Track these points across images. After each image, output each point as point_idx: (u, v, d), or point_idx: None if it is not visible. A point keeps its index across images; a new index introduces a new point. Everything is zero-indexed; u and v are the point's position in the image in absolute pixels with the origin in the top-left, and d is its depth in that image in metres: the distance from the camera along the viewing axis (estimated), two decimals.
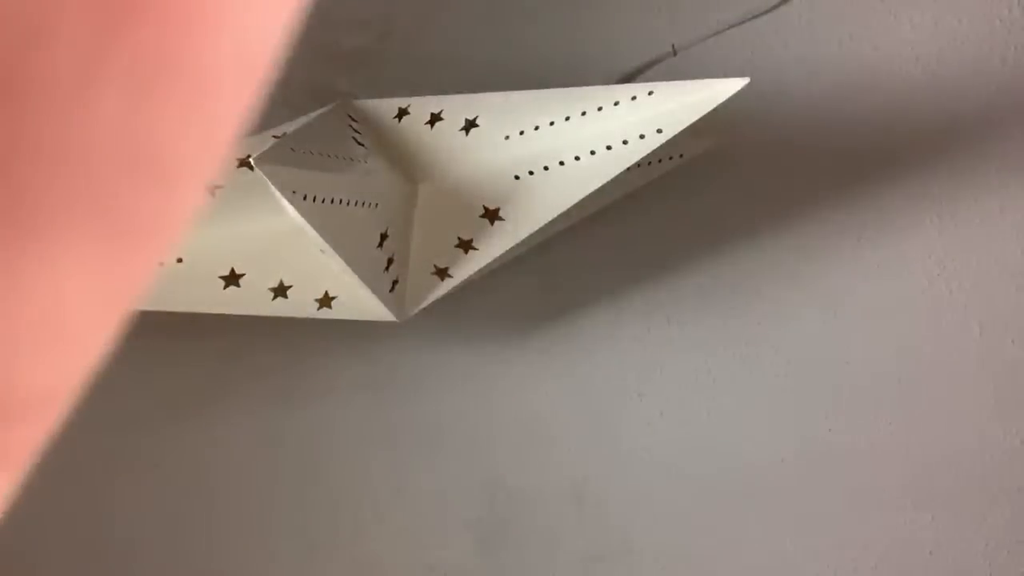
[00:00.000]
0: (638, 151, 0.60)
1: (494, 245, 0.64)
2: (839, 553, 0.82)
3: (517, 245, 0.64)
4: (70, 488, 0.86)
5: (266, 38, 0.10)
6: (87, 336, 0.11)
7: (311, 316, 0.66)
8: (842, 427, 0.81)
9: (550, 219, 0.63)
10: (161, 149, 0.10)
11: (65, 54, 0.09)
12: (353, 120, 0.67)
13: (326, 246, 0.59)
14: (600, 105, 0.61)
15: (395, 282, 0.65)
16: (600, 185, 0.61)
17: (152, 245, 0.10)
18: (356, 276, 0.61)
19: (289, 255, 0.65)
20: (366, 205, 0.62)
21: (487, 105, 0.65)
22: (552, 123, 0.63)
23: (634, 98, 0.60)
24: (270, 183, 0.55)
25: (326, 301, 0.65)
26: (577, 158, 0.62)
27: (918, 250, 0.80)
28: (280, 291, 0.65)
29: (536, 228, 0.63)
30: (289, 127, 0.66)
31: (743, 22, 0.78)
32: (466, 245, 0.65)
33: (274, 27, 0.10)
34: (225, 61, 0.10)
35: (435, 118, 0.66)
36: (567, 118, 0.62)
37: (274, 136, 0.67)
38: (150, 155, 0.09)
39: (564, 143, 0.63)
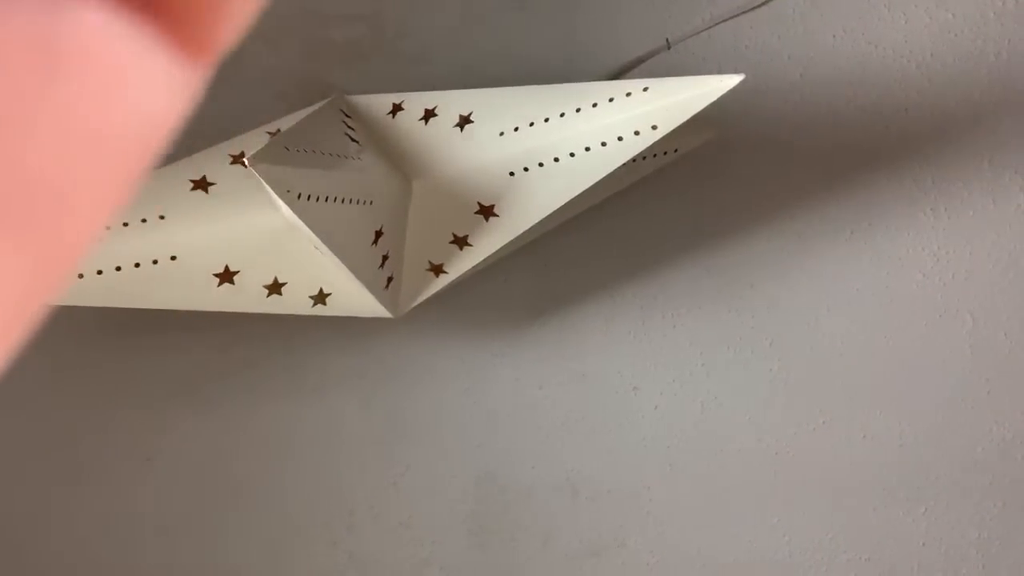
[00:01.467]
0: (633, 147, 0.60)
1: (489, 242, 0.64)
2: (832, 545, 0.83)
3: (512, 241, 0.64)
4: (59, 482, 0.86)
5: (142, 128, 0.12)
6: None
7: (306, 313, 0.65)
8: (835, 420, 0.82)
9: (545, 215, 0.63)
10: (49, 185, 0.11)
11: None
12: (347, 116, 0.67)
13: (321, 244, 0.59)
14: (595, 101, 0.61)
15: (390, 279, 0.65)
16: (595, 181, 0.61)
17: (52, 260, 0.11)
18: (351, 273, 0.61)
19: (283, 252, 0.65)
20: (360, 203, 0.62)
21: (482, 101, 0.65)
22: (547, 119, 0.63)
23: (629, 94, 0.60)
24: (265, 183, 0.55)
25: (321, 298, 0.65)
26: (572, 154, 0.62)
27: (911, 243, 0.80)
28: (274, 288, 0.65)
29: (531, 224, 0.63)
30: (283, 123, 0.66)
31: (737, 15, 0.78)
32: (461, 241, 0.65)
33: (153, 116, 0.12)
34: (118, 126, 0.11)
35: (429, 114, 0.66)
36: (562, 114, 0.62)
37: (268, 132, 0.67)
38: (46, 192, 0.11)
39: (559, 139, 0.63)
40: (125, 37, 0.11)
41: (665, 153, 0.70)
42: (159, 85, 0.12)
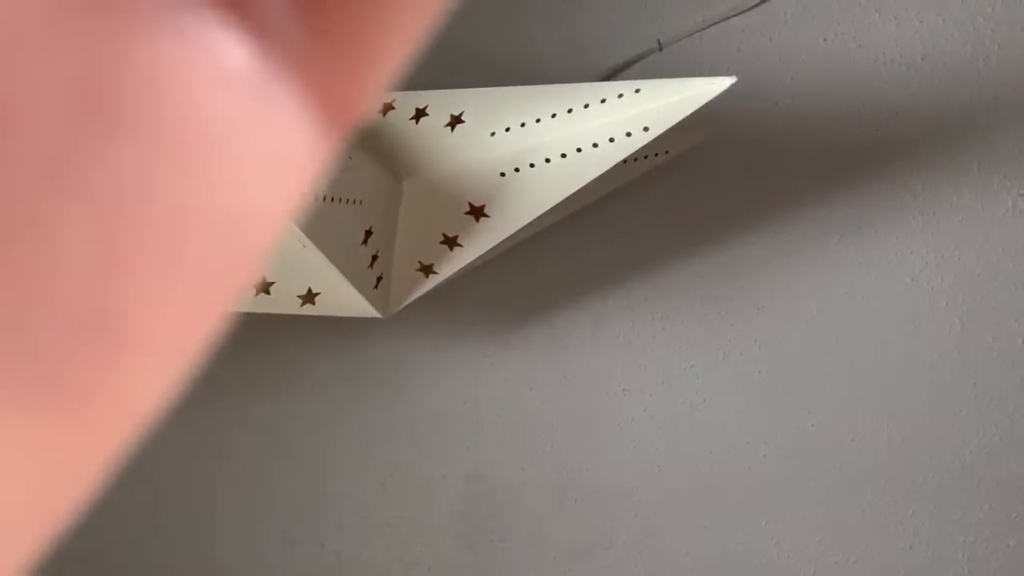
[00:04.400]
0: (625, 149, 0.60)
1: (479, 242, 0.64)
2: (820, 547, 0.83)
3: (502, 242, 0.64)
4: None
5: (272, 204, 0.08)
6: (16, 526, 0.08)
7: (294, 313, 0.65)
8: (824, 423, 0.82)
9: (536, 216, 0.63)
10: (117, 308, 0.07)
11: (25, 165, 0.07)
12: None
13: (310, 243, 0.58)
14: (587, 102, 0.61)
15: (379, 278, 0.64)
16: (586, 182, 0.61)
17: (105, 423, 0.08)
18: (340, 273, 0.60)
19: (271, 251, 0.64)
20: (350, 202, 0.62)
21: (473, 101, 0.64)
22: (539, 120, 0.62)
23: (621, 96, 0.60)
24: None
25: (309, 298, 0.65)
26: (563, 155, 0.62)
27: (900, 247, 0.80)
28: (262, 287, 0.65)
29: (522, 225, 0.63)
30: None
31: (728, 18, 0.78)
32: (451, 242, 0.65)
33: (284, 192, 0.08)
34: (218, 217, 0.08)
35: (420, 113, 0.65)
36: (553, 115, 0.62)
37: None
38: (102, 312, 0.07)
39: (550, 140, 0.62)
40: (266, 85, 0.08)
41: (656, 155, 0.70)
42: (295, 157, 0.08)
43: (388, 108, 0.66)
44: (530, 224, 0.64)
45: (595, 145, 0.61)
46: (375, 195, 0.65)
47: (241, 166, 0.08)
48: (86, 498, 0.09)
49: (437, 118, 0.65)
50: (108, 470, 0.09)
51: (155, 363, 0.08)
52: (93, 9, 0.07)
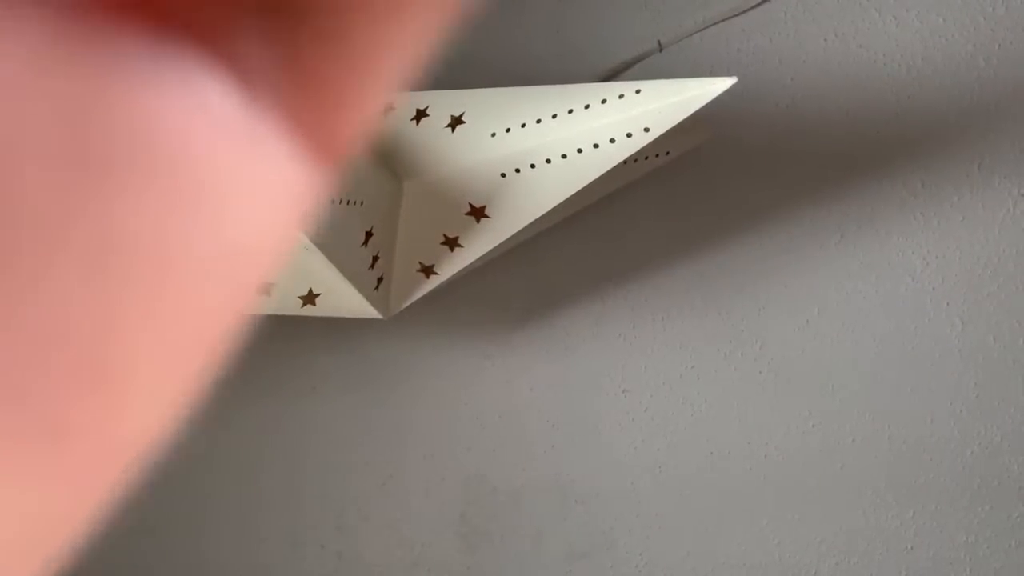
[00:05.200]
0: (625, 149, 0.60)
1: (480, 243, 0.64)
2: (821, 548, 0.83)
3: (503, 243, 0.64)
4: None
5: (262, 244, 0.09)
6: (10, 563, 0.08)
7: (295, 313, 0.65)
8: (825, 423, 0.82)
9: (536, 217, 0.63)
10: (109, 352, 0.08)
11: (23, 222, 0.07)
12: None
13: (311, 244, 0.58)
14: (587, 103, 0.61)
15: (380, 279, 0.64)
16: (587, 183, 0.61)
17: (89, 461, 0.08)
18: (341, 274, 0.60)
19: None
20: (351, 203, 0.62)
21: (473, 102, 0.64)
22: (539, 120, 0.62)
23: (622, 96, 0.60)
24: None
25: (310, 298, 0.65)
26: (564, 156, 0.62)
27: (901, 247, 0.80)
28: (262, 288, 0.65)
29: (522, 226, 0.63)
30: None
31: (729, 18, 0.78)
32: (452, 243, 0.65)
33: (274, 231, 0.09)
34: (209, 260, 0.08)
35: (421, 114, 0.65)
36: (554, 115, 0.62)
37: None
38: (93, 355, 0.08)
39: (551, 141, 0.62)
40: (252, 128, 0.08)
41: (657, 155, 0.70)
42: (283, 195, 0.09)
43: (388, 109, 0.66)
44: (531, 225, 0.64)
45: (596, 146, 0.61)
46: (376, 196, 0.65)
47: (230, 207, 0.08)
48: (80, 533, 0.09)
49: (437, 119, 0.65)
50: (102, 505, 0.09)
51: (144, 399, 0.08)
52: (80, 61, 0.07)
